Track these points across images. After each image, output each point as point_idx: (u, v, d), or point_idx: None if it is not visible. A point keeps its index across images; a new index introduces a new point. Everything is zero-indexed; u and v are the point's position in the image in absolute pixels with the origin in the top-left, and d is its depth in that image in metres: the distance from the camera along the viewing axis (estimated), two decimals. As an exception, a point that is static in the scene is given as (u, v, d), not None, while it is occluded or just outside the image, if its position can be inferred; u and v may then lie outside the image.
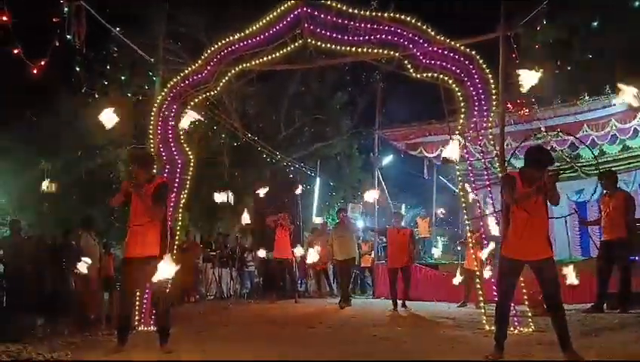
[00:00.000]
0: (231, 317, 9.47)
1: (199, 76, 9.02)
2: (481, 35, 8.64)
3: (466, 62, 8.08)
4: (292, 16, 8.64)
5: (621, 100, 7.09)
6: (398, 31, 8.35)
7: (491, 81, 7.92)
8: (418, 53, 8.34)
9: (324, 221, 16.53)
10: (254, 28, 8.75)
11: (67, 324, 8.26)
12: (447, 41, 8.21)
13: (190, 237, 13.94)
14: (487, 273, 8.11)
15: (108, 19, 9.08)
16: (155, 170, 6.55)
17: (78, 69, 15.48)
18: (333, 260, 11.96)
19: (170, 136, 8.93)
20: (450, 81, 8.15)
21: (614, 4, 13.94)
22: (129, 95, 16.17)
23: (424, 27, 8.24)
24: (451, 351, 5.98)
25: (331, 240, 11.58)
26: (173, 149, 8.92)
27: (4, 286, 9.77)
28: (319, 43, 8.81)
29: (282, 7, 8.60)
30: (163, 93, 8.95)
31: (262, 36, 8.77)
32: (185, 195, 8.88)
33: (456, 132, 8.48)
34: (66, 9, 7.85)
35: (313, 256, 11.91)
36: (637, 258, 8.91)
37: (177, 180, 8.79)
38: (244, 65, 9.06)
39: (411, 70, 8.50)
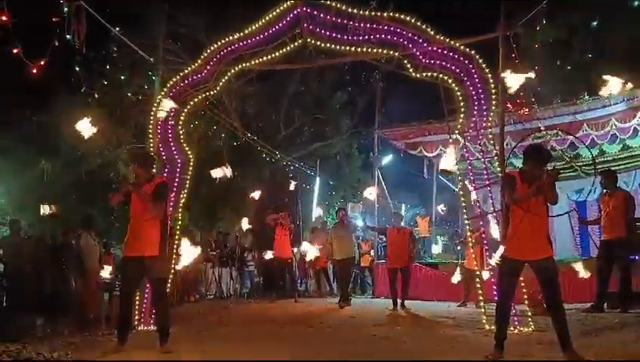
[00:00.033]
0: (231, 317, 9.47)
1: (199, 76, 9.02)
2: (480, 34, 8.64)
3: (466, 61, 8.09)
4: (291, 15, 8.65)
5: (608, 92, 7.08)
6: (398, 30, 8.36)
7: (491, 80, 7.93)
8: (418, 53, 8.35)
9: (323, 219, 16.54)
10: (254, 28, 8.75)
11: (67, 324, 8.26)
12: (447, 40, 8.22)
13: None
14: (486, 274, 8.11)
15: (108, 19, 9.07)
16: (154, 170, 6.55)
17: (77, 68, 15.46)
18: (333, 260, 11.96)
19: (170, 135, 8.93)
20: (450, 81, 8.16)
21: (614, 4, 13.93)
22: (129, 95, 16.16)
23: (424, 27, 8.25)
24: (451, 350, 5.98)
25: (330, 240, 11.58)
26: (173, 149, 8.92)
27: (4, 286, 9.77)
28: (319, 43, 8.81)
29: (282, 7, 8.61)
30: (163, 93, 8.95)
31: (261, 36, 8.77)
32: (185, 195, 8.89)
33: (456, 131, 8.50)
34: (65, 9, 7.84)
35: (313, 252, 11.94)
36: (637, 257, 8.93)
37: (177, 180, 8.79)
38: (244, 64, 9.06)
39: (411, 70, 8.51)
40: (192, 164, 9.00)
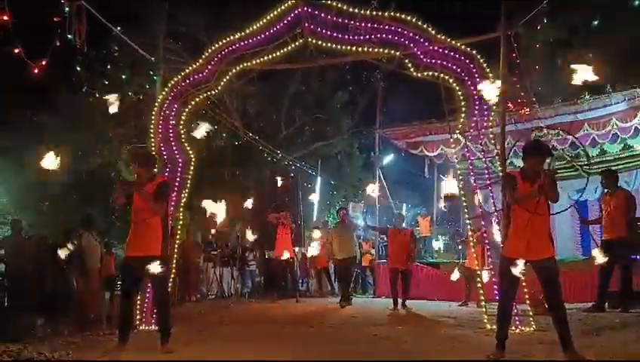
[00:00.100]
0: (232, 317, 9.48)
1: (200, 75, 9.03)
2: (481, 34, 8.64)
3: (467, 61, 8.08)
4: (292, 15, 8.65)
5: (579, 80, 7.00)
6: (399, 30, 8.36)
7: (492, 80, 7.92)
8: (419, 53, 8.34)
9: (324, 218, 16.55)
10: (255, 27, 8.75)
11: (68, 324, 8.26)
12: (448, 40, 8.21)
13: (191, 237, 13.93)
14: (485, 274, 8.11)
15: (108, 18, 9.06)
16: (156, 170, 6.55)
17: (78, 68, 15.48)
18: (334, 259, 11.96)
19: (171, 135, 8.94)
20: (451, 80, 8.16)
21: (614, 4, 13.94)
22: (130, 94, 16.16)
23: (425, 26, 8.25)
24: (452, 350, 5.97)
25: (331, 239, 11.57)
26: (174, 148, 8.92)
27: (5, 286, 9.76)
28: (320, 42, 8.81)
29: (283, 7, 8.61)
30: (164, 93, 8.96)
31: (262, 35, 8.77)
32: (186, 194, 8.89)
33: (457, 131, 8.50)
34: (66, 8, 7.84)
35: (314, 249, 11.95)
36: (638, 257, 8.91)
37: (178, 179, 8.79)
38: (245, 64, 9.06)
39: (412, 69, 8.51)
40: (193, 163, 9.01)
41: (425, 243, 15.62)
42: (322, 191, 19.42)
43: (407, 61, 8.54)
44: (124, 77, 16.27)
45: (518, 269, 4.90)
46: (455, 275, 10.61)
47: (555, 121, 11.74)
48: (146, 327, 7.79)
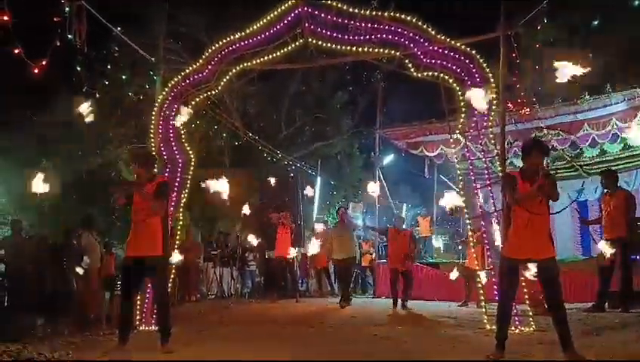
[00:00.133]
0: (232, 317, 9.47)
1: (200, 75, 9.03)
2: (481, 34, 8.63)
3: (467, 61, 8.08)
4: (292, 15, 8.64)
5: (565, 78, 6.88)
6: (399, 30, 8.35)
7: (492, 80, 7.92)
8: (419, 53, 8.34)
9: (324, 218, 16.55)
10: (255, 27, 8.75)
11: (67, 324, 8.26)
12: (448, 40, 8.21)
13: (191, 237, 13.94)
14: (483, 274, 8.10)
15: (108, 18, 9.06)
16: (156, 170, 6.55)
17: (78, 68, 15.49)
18: (333, 259, 11.96)
19: (171, 135, 8.94)
20: (451, 81, 8.16)
21: (614, 4, 13.94)
22: (130, 94, 16.18)
23: (425, 26, 8.24)
24: (452, 350, 5.97)
25: (331, 239, 11.56)
26: (174, 148, 8.93)
27: (5, 286, 9.77)
28: (320, 42, 8.81)
29: (283, 7, 8.60)
30: (164, 93, 8.96)
31: (262, 35, 8.77)
32: (185, 195, 8.89)
33: (457, 131, 8.50)
34: (66, 8, 7.84)
35: (314, 247, 11.96)
36: (638, 257, 8.91)
37: (178, 179, 8.79)
38: (245, 64, 9.06)
39: (412, 69, 8.50)
40: (193, 163, 9.01)
41: (425, 244, 15.62)
42: (322, 192, 19.42)
43: (407, 61, 8.53)
44: (124, 77, 16.29)
45: (530, 273, 4.89)
46: (454, 274, 10.64)
47: (555, 121, 11.74)
48: (146, 327, 7.79)
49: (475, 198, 8.18)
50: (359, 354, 5.90)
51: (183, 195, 8.83)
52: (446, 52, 8.19)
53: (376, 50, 8.76)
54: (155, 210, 5.78)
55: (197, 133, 15.29)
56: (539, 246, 5.02)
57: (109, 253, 11.05)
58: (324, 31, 8.67)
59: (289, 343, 6.59)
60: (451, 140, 8.85)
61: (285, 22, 8.68)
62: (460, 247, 12.63)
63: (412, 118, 14.43)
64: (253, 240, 12.87)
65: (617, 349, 5.45)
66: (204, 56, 8.99)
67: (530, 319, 7.07)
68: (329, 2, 8.51)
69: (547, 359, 5.28)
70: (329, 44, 8.79)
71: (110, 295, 10.49)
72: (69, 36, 7.89)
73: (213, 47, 8.95)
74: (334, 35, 8.63)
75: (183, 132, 9.06)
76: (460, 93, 8.06)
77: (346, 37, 8.61)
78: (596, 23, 14.23)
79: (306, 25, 8.68)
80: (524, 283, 6.64)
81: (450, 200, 7.71)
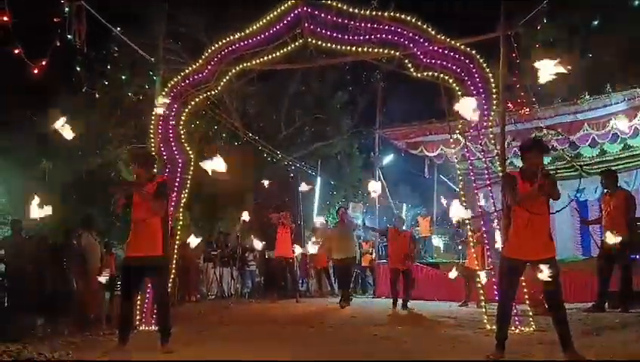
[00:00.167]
0: (232, 317, 9.47)
1: (200, 76, 9.03)
2: (481, 34, 8.63)
3: (467, 61, 8.08)
4: (292, 15, 8.64)
5: (546, 78, 6.73)
6: (399, 30, 8.35)
7: (492, 80, 7.92)
8: (418, 53, 8.34)
9: (324, 219, 16.53)
10: (254, 27, 8.75)
11: (67, 324, 8.26)
12: (448, 40, 8.21)
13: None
14: (483, 274, 8.10)
15: (108, 18, 9.07)
16: (155, 170, 6.54)
17: (78, 68, 15.49)
18: (333, 259, 11.95)
19: (171, 135, 8.94)
20: (451, 81, 8.15)
21: (614, 4, 13.95)
22: (130, 94, 16.18)
23: (424, 26, 8.24)
24: (452, 350, 5.97)
25: (331, 239, 11.55)
26: (174, 149, 8.92)
27: (5, 286, 9.76)
28: (319, 42, 8.81)
29: (282, 7, 8.61)
30: (164, 93, 8.95)
31: (262, 36, 8.77)
32: (185, 195, 8.89)
33: (457, 131, 8.50)
34: (66, 9, 7.85)
35: (312, 247, 11.96)
36: (638, 257, 8.91)
37: (178, 180, 8.79)
38: (245, 64, 9.06)
39: (412, 69, 8.50)
40: (192, 163, 9.01)
41: (425, 244, 15.62)
42: (322, 192, 19.42)
43: (406, 61, 8.53)
44: (123, 77, 16.29)
45: (545, 275, 4.87)
46: (453, 273, 10.65)
47: (555, 121, 11.74)
48: (146, 327, 7.79)
49: (474, 198, 8.18)
50: (359, 354, 5.90)
51: (182, 195, 8.83)
52: (446, 52, 8.19)
53: (376, 50, 8.76)
54: (156, 210, 5.79)
55: (197, 134, 15.29)
56: (539, 246, 5.02)
57: (109, 254, 11.04)
58: (323, 31, 8.67)
59: (289, 343, 6.59)
60: (451, 140, 8.85)
61: (285, 22, 8.68)
62: (460, 247, 12.62)
63: (412, 118, 14.44)
64: (258, 245, 12.75)
65: (617, 349, 5.45)
66: (203, 57, 8.99)
67: (530, 319, 7.08)
68: (329, 2, 8.51)
69: (547, 359, 5.28)
70: (329, 44, 8.79)
71: (110, 295, 10.48)
72: (69, 36, 7.90)
73: (213, 48, 8.95)
74: (334, 35, 8.63)
75: (182, 132, 9.06)
76: (459, 93, 8.06)
77: (346, 37, 8.60)
78: (596, 23, 14.24)
79: (306, 25, 8.68)
80: (524, 284, 6.65)
81: (457, 212, 7.59)
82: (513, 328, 6.60)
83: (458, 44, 8.15)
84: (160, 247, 5.79)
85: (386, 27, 8.40)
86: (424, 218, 16.04)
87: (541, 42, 13.71)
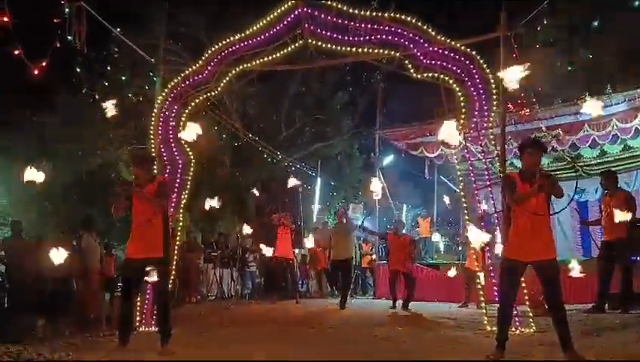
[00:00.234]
0: (232, 318, 9.46)
1: (200, 76, 9.03)
2: (481, 35, 8.63)
3: (467, 62, 8.08)
4: (292, 16, 8.64)
5: (513, 85, 6.64)
6: (399, 31, 8.35)
7: (492, 80, 7.91)
8: (418, 53, 8.34)
9: (324, 219, 16.54)
10: (255, 28, 8.75)
11: (68, 325, 8.25)
12: (448, 41, 8.20)
13: (191, 238, 13.93)
14: (482, 275, 8.09)
15: (108, 18, 9.07)
16: (155, 171, 6.54)
17: (78, 69, 15.54)
18: (332, 260, 11.92)
19: (171, 136, 8.93)
20: (451, 81, 8.15)
21: (614, 4, 13.95)
22: (130, 95, 16.18)
23: (424, 27, 8.24)
24: (452, 351, 5.98)
25: (330, 240, 11.54)
26: (174, 150, 8.92)
27: (5, 287, 9.76)
28: (319, 43, 8.80)
29: (282, 8, 8.61)
30: (164, 94, 8.95)
31: (262, 36, 8.77)
32: (186, 196, 8.88)
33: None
34: (66, 9, 7.85)
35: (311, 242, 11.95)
36: (638, 258, 8.91)
37: (178, 181, 8.79)
38: (245, 65, 9.06)
39: (412, 70, 8.49)
40: (192, 164, 9.01)
41: (425, 244, 15.61)
42: (322, 193, 19.41)
43: (407, 62, 8.52)
44: (124, 78, 16.30)
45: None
46: (452, 272, 10.66)
47: (555, 122, 11.74)
48: (146, 328, 7.79)
49: (475, 199, 8.18)
50: (359, 354, 5.91)
51: (182, 196, 8.83)
52: (446, 53, 8.19)
53: (376, 50, 8.75)
54: (157, 210, 5.78)
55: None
56: (540, 247, 5.02)
57: (109, 254, 11.04)
58: (323, 32, 8.66)
59: (290, 344, 6.59)
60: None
61: (285, 23, 8.68)
62: (460, 248, 12.63)
63: (412, 119, 14.43)
64: (268, 251, 12.56)
65: (617, 350, 5.45)
66: (203, 58, 8.99)
67: (531, 320, 7.08)
68: (329, 3, 8.51)
69: (547, 359, 5.28)
70: (329, 45, 8.78)
71: (110, 296, 10.48)
72: (69, 37, 7.90)
73: (213, 49, 8.95)
74: (334, 35, 8.63)
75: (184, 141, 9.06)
76: (459, 93, 8.06)
77: (346, 38, 8.60)
78: (596, 23, 14.24)
79: (306, 26, 8.68)
80: (524, 284, 6.64)
81: (477, 238, 7.14)
82: (513, 329, 6.60)
83: (458, 45, 8.14)
84: (160, 249, 5.79)
85: (386, 28, 8.40)
86: (424, 219, 16.04)
87: (541, 42, 13.73)
